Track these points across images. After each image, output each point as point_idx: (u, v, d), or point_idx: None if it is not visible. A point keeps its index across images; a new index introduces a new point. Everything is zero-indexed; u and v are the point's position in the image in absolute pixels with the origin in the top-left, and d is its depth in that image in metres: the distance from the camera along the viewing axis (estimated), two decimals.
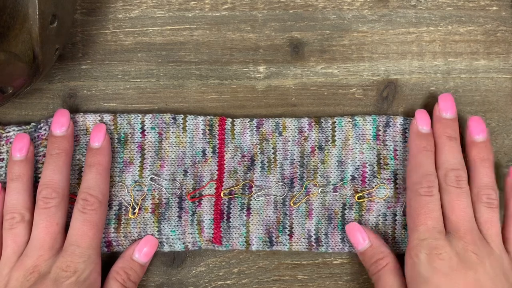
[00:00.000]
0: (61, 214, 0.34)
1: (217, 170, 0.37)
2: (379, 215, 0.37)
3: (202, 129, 0.37)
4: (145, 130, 0.37)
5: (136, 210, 0.37)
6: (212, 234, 0.37)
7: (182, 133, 0.37)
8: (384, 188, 0.37)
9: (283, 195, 0.38)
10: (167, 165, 0.37)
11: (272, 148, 0.38)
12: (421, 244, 0.32)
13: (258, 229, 0.37)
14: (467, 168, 0.35)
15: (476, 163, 0.35)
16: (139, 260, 0.36)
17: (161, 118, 0.37)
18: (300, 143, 0.38)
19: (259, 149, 0.38)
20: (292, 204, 0.37)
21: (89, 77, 0.38)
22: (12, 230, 0.34)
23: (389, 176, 0.37)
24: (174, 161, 0.37)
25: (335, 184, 0.38)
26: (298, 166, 0.38)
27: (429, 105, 0.39)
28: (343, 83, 0.39)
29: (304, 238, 0.37)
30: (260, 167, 0.38)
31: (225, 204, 0.37)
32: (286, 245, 0.37)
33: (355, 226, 0.36)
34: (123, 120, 0.37)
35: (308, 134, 0.38)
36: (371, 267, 0.35)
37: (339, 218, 0.37)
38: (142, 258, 0.36)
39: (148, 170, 0.37)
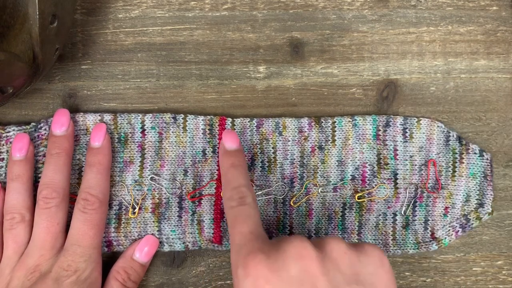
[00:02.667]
0: (62, 214, 0.34)
1: (217, 170, 0.37)
2: (379, 215, 0.37)
3: (202, 129, 0.37)
4: (145, 129, 0.37)
5: (136, 210, 0.37)
6: (212, 233, 0.37)
7: (182, 132, 0.37)
8: (384, 188, 0.37)
9: (283, 194, 0.38)
10: (167, 164, 0.37)
11: (272, 148, 0.38)
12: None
13: None
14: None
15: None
16: (139, 259, 0.36)
17: (161, 117, 0.37)
18: (300, 143, 0.38)
19: (259, 148, 0.38)
20: (292, 204, 0.37)
21: (89, 77, 0.38)
22: (12, 230, 0.34)
23: (389, 176, 0.37)
24: (174, 160, 0.37)
25: (335, 184, 0.38)
26: (298, 166, 0.38)
27: (429, 105, 0.39)
28: (343, 83, 0.39)
29: None
30: (260, 166, 0.38)
31: None
32: None
33: None
34: (123, 119, 0.37)
35: (308, 134, 0.38)
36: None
37: (339, 218, 0.37)
38: (142, 257, 0.36)
39: (148, 170, 0.37)
